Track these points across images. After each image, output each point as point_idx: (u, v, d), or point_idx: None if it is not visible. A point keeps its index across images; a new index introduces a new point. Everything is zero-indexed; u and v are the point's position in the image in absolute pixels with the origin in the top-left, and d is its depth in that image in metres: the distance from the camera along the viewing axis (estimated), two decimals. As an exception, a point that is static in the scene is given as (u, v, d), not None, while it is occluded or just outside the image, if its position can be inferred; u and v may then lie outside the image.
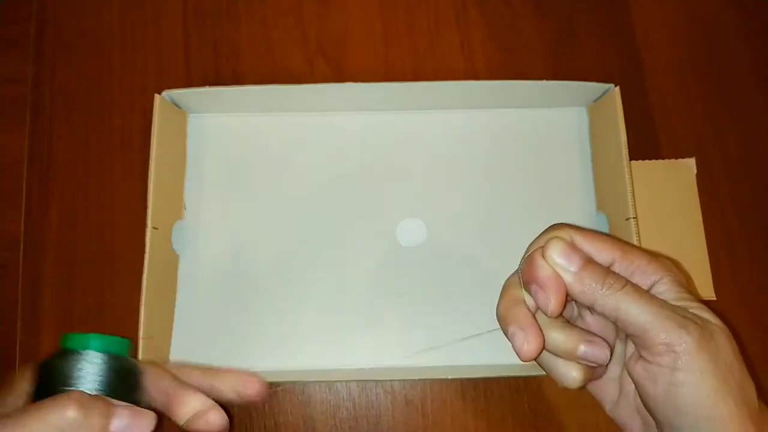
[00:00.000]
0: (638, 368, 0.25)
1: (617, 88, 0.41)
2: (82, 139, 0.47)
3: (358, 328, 0.42)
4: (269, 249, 0.43)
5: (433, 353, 0.41)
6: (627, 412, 0.28)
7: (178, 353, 0.41)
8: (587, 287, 0.25)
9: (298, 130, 0.45)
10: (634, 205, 0.39)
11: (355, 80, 0.42)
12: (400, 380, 0.42)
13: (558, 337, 0.26)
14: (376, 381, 0.42)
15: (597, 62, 0.49)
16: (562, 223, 0.28)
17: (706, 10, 0.50)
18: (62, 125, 0.47)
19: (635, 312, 0.24)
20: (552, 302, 0.25)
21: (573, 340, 0.26)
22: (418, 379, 0.42)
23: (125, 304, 0.43)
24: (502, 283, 0.43)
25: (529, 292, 0.26)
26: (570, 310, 0.29)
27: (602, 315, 0.25)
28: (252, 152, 0.45)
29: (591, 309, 0.26)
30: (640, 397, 0.26)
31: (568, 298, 0.26)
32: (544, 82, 0.43)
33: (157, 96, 0.41)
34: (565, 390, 0.27)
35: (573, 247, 0.26)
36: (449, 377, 0.41)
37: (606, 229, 0.43)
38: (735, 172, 0.47)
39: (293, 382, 0.42)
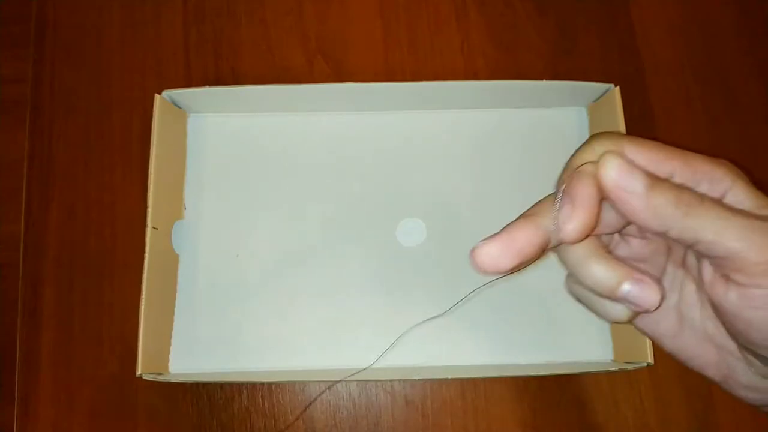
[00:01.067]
0: (731, 295, 0.21)
1: (617, 88, 0.41)
2: (82, 139, 0.47)
3: (358, 327, 0.42)
4: (269, 249, 0.43)
5: (433, 353, 0.41)
6: (695, 342, 0.24)
7: (178, 353, 0.41)
8: (660, 209, 0.20)
9: (298, 130, 0.45)
10: None
11: (355, 80, 0.42)
12: (400, 380, 0.42)
13: (598, 271, 0.21)
14: (376, 381, 0.42)
15: (597, 62, 0.49)
16: (608, 132, 0.23)
17: (705, 10, 0.50)
18: (62, 125, 0.47)
19: (723, 232, 0.20)
20: (575, 223, 0.21)
21: (616, 275, 0.21)
22: (418, 379, 0.42)
23: (125, 304, 0.43)
24: (501, 283, 0.42)
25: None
26: (609, 238, 0.25)
27: (678, 240, 0.21)
28: (252, 152, 0.45)
29: (662, 235, 0.21)
30: (729, 325, 0.22)
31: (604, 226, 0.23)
32: (544, 82, 0.43)
33: (157, 96, 0.41)
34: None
35: (632, 163, 0.21)
36: (449, 377, 0.41)
37: None
38: (735, 172, 0.47)
39: (293, 382, 0.42)
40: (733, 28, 0.50)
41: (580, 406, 0.42)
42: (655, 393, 0.43)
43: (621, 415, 0.42)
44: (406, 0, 0.50)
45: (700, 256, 0.22)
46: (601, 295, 0.22)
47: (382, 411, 0.42)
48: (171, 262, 0.42)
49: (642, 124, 0.47)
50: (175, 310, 0.42)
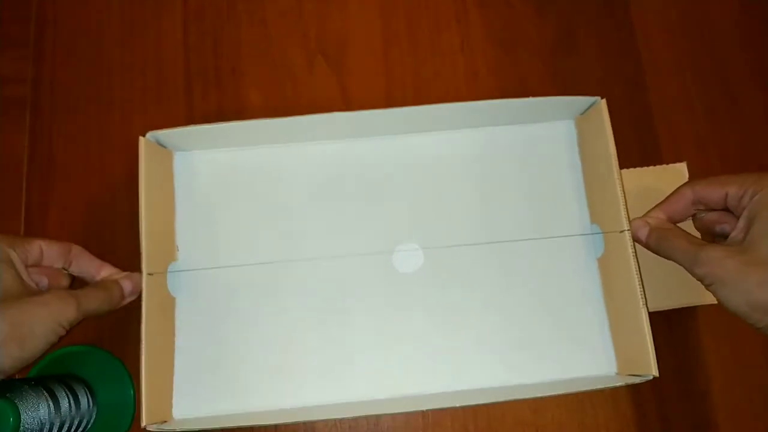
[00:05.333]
0: None
1: (604, 100, 0.41)
2: (82, 139, 0.47)
3: (358, 357, 0.41)
4: (266, 283, 0.42)
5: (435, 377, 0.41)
6: None
7: (180, 396, 0.40)
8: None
9: (286, 161, 0.44)
10: (627, 217, 0.38)
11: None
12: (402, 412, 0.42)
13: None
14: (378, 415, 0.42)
15: (597, 62, 0.49)
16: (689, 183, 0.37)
17: (705, 10, 0.50)
18: (62, 125, 0.47)
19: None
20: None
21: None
22: (427, 410, 0.41)
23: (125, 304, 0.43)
24: (502, 302, 0.42)
25: None
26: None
27: None
28: (241, 186, 0.44)
29: None
30: None
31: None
32: (531, 99, 0.42)
33: (141, 138, 0.40)
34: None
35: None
36: (457, 405, 0.40)
37: (601, 241, 0.42)
38: (734, 172, 0.46)
39: (296, 423, 0.42)
40: (733, 28, 0.50)
41: (580, 406, 0.42)
42: (655, 393, 0.43)
43: (621, 415, 0.42)
44: (406, 0, 0.50)
45: None
46: None
47: (382, 411, 0.42)
48: (168, 305, 0.41)
49: (642, 124, 0.47)
50: (175, 353, 0.41)
